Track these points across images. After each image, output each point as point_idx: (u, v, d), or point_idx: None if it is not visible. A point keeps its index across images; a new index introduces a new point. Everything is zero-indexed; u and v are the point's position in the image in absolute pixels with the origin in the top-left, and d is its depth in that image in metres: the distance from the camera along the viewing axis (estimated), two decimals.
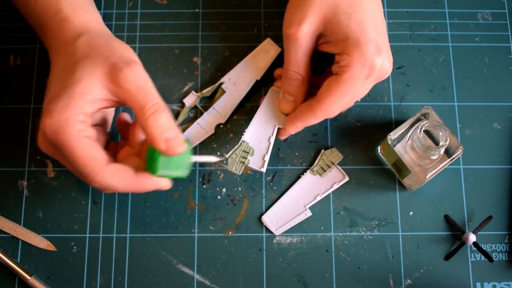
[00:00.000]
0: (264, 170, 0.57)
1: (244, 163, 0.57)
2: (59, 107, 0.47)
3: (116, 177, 0.49)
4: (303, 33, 0.53)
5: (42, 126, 0.48)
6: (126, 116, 0.56)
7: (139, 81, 0.49)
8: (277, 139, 0.58)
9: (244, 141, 0.57)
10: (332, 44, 0.53)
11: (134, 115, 0.51)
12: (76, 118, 0.47)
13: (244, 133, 0.57)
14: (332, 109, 0.53)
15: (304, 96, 0.57)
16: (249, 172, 0.60)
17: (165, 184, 0.52)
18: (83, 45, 0.51)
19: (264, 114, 0.58)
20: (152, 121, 0.48)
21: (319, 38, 0.54)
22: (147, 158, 0.51)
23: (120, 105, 0.51)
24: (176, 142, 0.49)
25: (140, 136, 0.53)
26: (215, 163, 0.60)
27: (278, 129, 0.58)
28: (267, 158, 0.57)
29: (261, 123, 0.58)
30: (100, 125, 0.55)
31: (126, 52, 0.52)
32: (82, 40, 0.51)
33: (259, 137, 0.58)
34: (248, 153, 0.57)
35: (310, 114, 0.54)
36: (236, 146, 0.57)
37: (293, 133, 0.57)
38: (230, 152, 0.57)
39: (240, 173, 0.57)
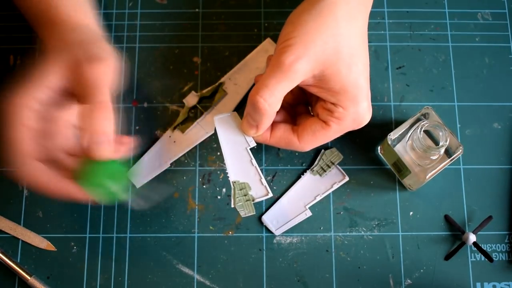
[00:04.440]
0: (270, 194, 0.55)
1: (250, 200, 0.55)
2: (18, 91, 0.47)
3: (35, 172, 0.48)
4: (299, 68, 0.49)
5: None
6: None
7: (97, 77, 0.48)
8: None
9: (235, 181, 0.55)
10: (324, 91, 0.52)
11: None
12: (27, 104, 0.47)
13: (228, 175, 0.55)
14: (308, 148, 0.55)
15: (267, 126, 0.54)
16: None
17: (79, 194, 0.49)
18: (58, 40, 0.51)
19: (229, 145, 0.56)
20: (94, 117, 0.47)
21: (309, 79, 0.51)
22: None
23: (73, 99, 0.50)
24: (105, 147, 0.47)
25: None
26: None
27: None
28: (264, 181, 0.55)
29: (232, 154, 0.56)
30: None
31: (99, 49, 0.50)
32: (63, 36, 0.51)
33: (242, 168, 0.55)
34: (245, 188, 0.55)
35: (286, 146, 0.55)
36: (233, 192, 0.55)
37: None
38: (232, 202, 0.55)
39: (254, 212, 0.55)
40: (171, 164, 0.60)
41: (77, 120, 0.49)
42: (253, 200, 0.55)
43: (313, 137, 0.54)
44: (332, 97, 0.52)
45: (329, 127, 0.53)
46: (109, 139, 0.48)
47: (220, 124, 0.55)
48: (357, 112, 0.52)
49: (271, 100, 0.50)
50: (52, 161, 0.50)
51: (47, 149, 0.50)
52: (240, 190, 0.55)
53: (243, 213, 0.55)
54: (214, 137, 0.61)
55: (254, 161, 0.56)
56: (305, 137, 0.54)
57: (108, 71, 0.49)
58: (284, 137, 0.55)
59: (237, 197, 0.55)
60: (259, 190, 0.55)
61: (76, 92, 0.49)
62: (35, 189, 0.49)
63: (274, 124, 0.55)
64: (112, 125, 0.48)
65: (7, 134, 0.47)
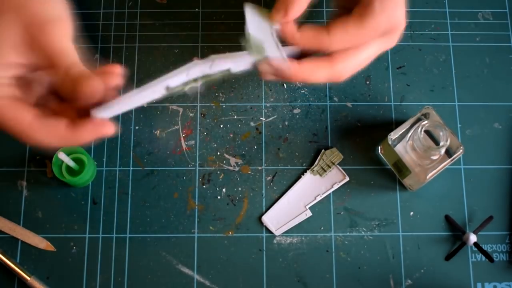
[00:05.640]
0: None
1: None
2: None
3: (46, 133, 0.45)
4: None
5: None
6: None
7: (58, 43, 0.44)
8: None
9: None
10: None
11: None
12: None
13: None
14: (337, 45, 0.48)
15: (296, 10, 0.48)
16: (249, 172, 0.60)
17: (109, 130, 0.46)
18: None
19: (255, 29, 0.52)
20: (78, 84, 0.44)
21: None
22: None
23: (42, 68, 0.46)
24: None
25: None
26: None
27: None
28: (281, 50, 0.49)
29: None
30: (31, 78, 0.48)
31: (46, 5, 0.45)
32: None
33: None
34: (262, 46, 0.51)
35: (314, 41, 0.48)
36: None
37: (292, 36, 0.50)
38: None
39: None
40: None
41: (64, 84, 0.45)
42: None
43: (343, 30, 0.48)
44: None
45: (363, 19, 0.47)
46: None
47: (250, 10, 0.52)
48: (393, 11, 0.47)
49: None
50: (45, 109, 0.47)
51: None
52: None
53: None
54: (213, 137, 0.61)
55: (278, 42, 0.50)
56: (335, 30, 0.48)
57: (65, 32, 0.45)
58: (311, 33, 0.48)
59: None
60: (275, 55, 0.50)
61: (41, 63, 0.45)
62: (57, 145, 0.45)
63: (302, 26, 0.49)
64: (96, 84, 0.44)
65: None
